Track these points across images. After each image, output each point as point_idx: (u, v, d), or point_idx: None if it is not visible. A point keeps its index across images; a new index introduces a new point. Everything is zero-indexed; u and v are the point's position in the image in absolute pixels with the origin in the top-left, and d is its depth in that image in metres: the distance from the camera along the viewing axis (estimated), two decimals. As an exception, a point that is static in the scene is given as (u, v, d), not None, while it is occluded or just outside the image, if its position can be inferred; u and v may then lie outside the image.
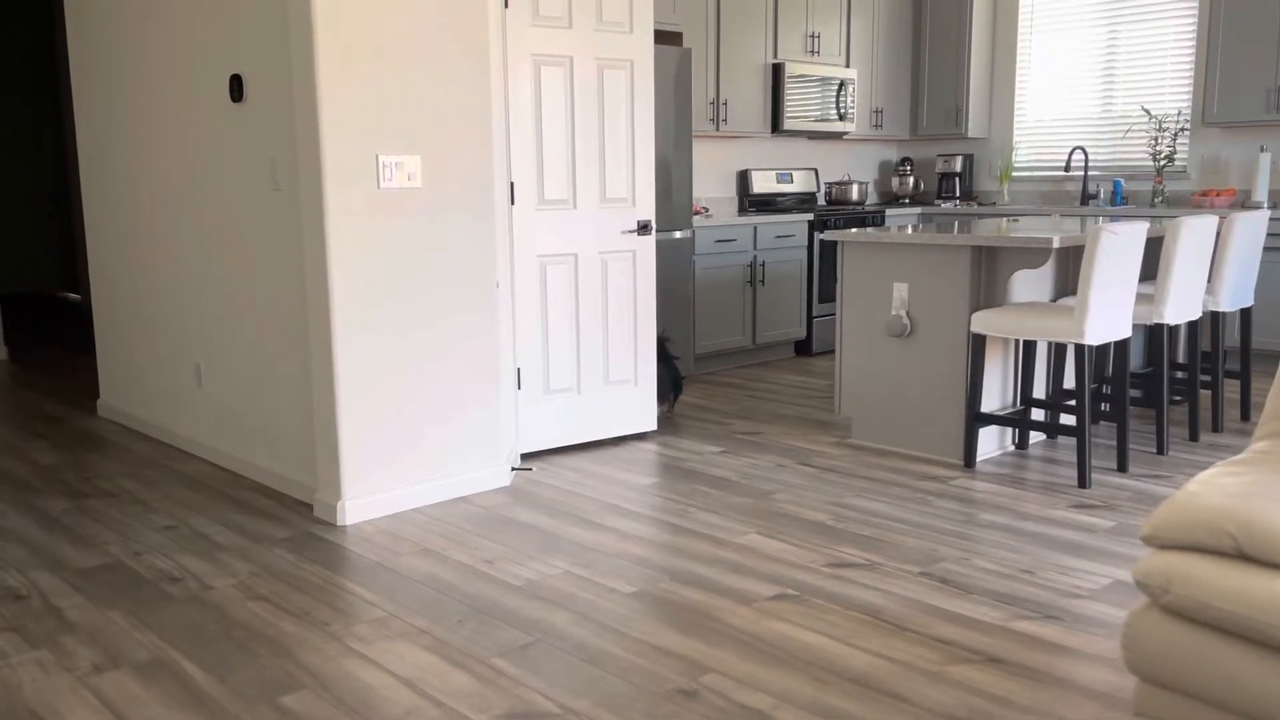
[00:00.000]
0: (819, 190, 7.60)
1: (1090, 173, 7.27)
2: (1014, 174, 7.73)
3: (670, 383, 5.08)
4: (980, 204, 7.75)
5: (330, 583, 3.11)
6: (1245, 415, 5.01)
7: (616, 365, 4.64)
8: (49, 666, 2.59)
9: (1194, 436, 4.62)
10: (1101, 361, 4.92)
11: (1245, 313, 4.94)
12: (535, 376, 4.42)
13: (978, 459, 4.31)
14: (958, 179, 7.86)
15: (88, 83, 5.11)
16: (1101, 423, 4.89)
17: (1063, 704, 2.34)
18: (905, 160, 8.09)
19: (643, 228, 4.63)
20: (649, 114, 4.60)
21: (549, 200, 4.35)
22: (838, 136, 7.50)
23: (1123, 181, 7.00)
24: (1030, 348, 4.45)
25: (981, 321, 4.09)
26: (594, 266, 4.51)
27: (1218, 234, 4.61)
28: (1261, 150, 6.35)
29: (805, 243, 6.74)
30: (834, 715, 2.31)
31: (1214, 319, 4.75)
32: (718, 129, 6.54)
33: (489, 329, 3.95)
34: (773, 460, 4.39)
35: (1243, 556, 1.86)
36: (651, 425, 4.79)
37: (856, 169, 8.06)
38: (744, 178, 7.12)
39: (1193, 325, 4.75)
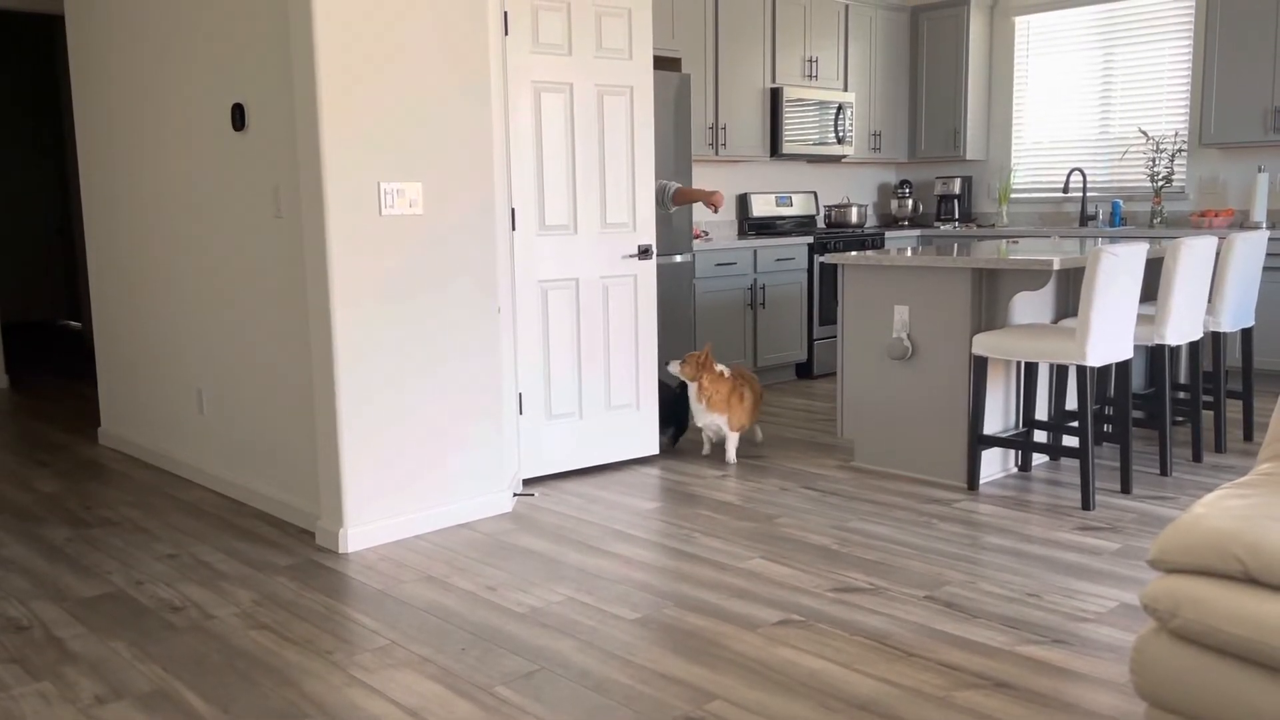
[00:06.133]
0: (818, 213, 7.63)
1: (1089, 194, 7.29)
2: (1012, 196, 7.76)
3: (670, 412, 5.04)
4: (979, 226, 7.77)
5: (333, 611, 3.10)
6: (1248, 435, 5.00)
7: (619, 390, 4.64)
8: (51, 698, 2.57)
9: (1197, 457, 4.61)
10: (1103, 383, 4.92)
11: (1246, 333, 4.95)
12: (537, 402, 4.42)
13: (981, 481, 4.30)
14: (956, 201, 7.88)
15: (90, 112, 5.13)
16: (1104, 444, 4.88)
17: (1071, 729, 2.33)
18: (904, 183, 8.12)
19: (643, 252, 4.64)
20: (649, 139, 4.62)
21: (550, 226, 4.37)
22: (836, 160, 7.53)
23: (1121, 203, 7.02)
24: (1032, 369, 4.45)
25: (983, 343, 4.09)
26: (595, 291, 4.52)
27: (1217, 254, 4.62)
28: (1259, 170, 6.38)
29: (805, 265, 6.75)
30: (841, 742, 2.29)
31: (1215, 339, 4.75)
32: (717, 153, 6.56)
33: (491, 355, 3.95)
34: (776, 484, 4.38)
35: (1251, 580, 1.85)
36: (654, 449, 4.79)
37: (855, 192, 8.09)
38: (743, 201, 7.14)
39: (1194, 346, 4.75)
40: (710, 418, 4.72)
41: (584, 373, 4.53)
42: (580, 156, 4.42)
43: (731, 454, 4.76)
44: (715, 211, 4.95)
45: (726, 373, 4.72)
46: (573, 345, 4.49)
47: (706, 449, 4.84)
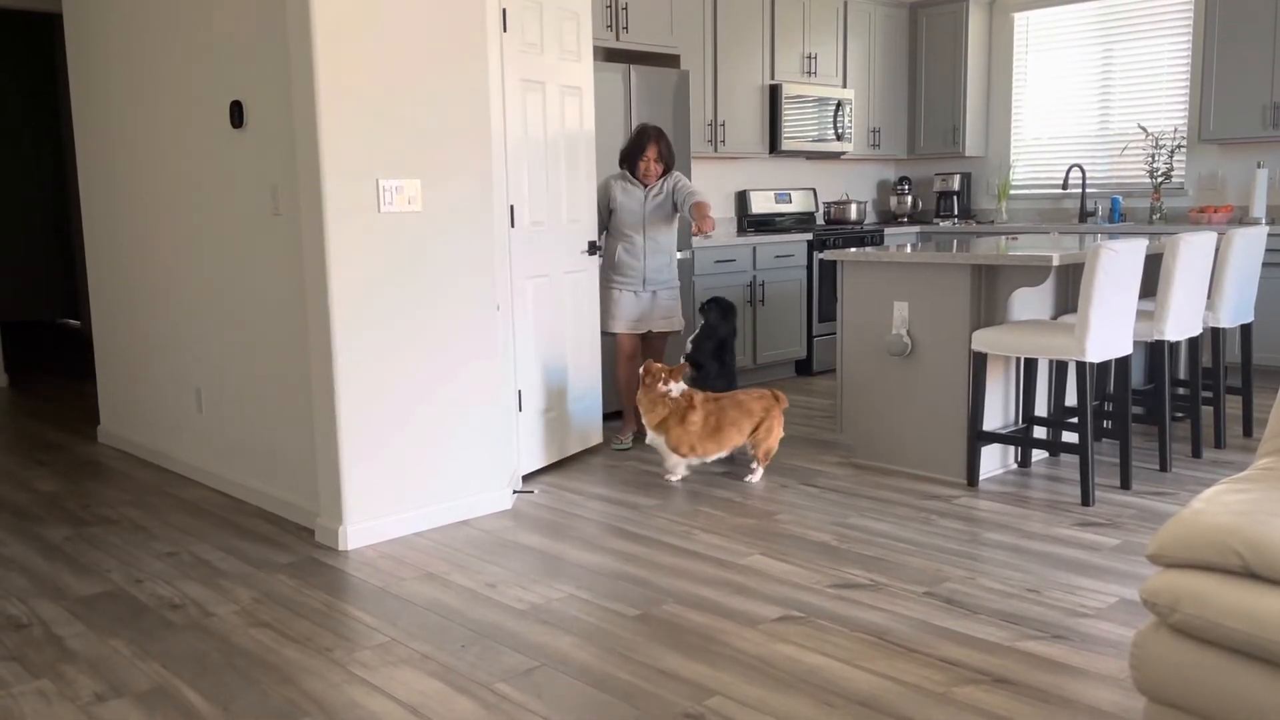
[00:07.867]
0: (817, 210, 7.62)
1: (1088, 190, 7.29)
2: (1012, 192, 7.75)
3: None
4: (978, 222, 7.76)
5: (333, 608, 3.10)
6: (1247, 431, 5.00)
7: (590, 384, 4.65)
8: (51, 696, 2.57)
9: (1196, 453, 4.61)
10: (1103, 379, 4.92)
11: (1245, 328, 4.94)
12: (532, 398, 4.42)
13: (980, 477, 4.29)
14: (956, 197, 7.88)
15: (88, 111, 5.13)
16: (1104, 440, 4.87)
17: (1071, 725, 2.33)
18: (903, 179, 8.11)
19: (591, 248, 4.67)
20: (591, 139, 4.71)
21: (535, 222, 4.37)
22: (835, 156, 7.52)
23: (1120, 199, 7.02)
24: (1031, 366, 4.45)
25: (982, 340, 4.09)
26: (564, 286, 4.57)
27: (1216, 250, 4.61)
28: (1259, 166, 6.37)
29: (805, 262, 6.75)
30: (841, 738, 2.29)
31: (1214, 335, 4.75)
32: (716, 150, 6.56)
33: (490, 351, 3.95)
34: (776, 480, 4.38)
35: (1251, 575, 1.85)
36: (597, 441, 4.82)
37: (854, 189, 8.08)
38: (742, 198, 7.13)
39: (1193, 341, 4.75)
40: (652, 435, 4.33)
41: (570, 368, 4.54)
42: (549, 154, 4.44)
43: (672, 475, 4.37)
44: (702, 234, 5.00)
45: (675, 392, 4.26)
46: (559, 340, 4.50)
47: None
